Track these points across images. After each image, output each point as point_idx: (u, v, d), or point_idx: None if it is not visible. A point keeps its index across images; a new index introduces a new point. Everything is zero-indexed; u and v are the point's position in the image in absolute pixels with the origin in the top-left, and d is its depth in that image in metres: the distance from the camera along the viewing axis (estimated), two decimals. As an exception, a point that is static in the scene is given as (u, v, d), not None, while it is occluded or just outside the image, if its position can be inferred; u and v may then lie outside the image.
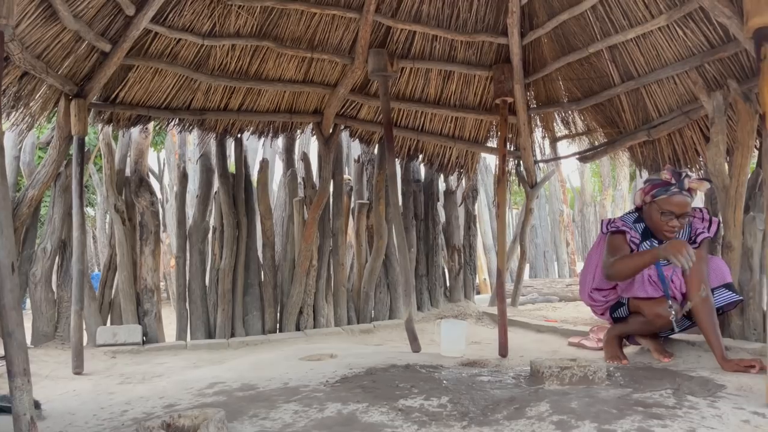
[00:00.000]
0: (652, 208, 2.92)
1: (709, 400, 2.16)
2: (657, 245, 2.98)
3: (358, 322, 4.82)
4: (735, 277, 3.16)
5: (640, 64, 4.03)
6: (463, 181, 5.42)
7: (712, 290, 2.91)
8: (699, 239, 2.92)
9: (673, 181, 2.85)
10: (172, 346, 4.08)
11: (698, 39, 3.60)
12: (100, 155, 5.46)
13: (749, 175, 3.27)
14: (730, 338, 3.17)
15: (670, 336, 3.20)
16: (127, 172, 4.34)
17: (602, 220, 3.22)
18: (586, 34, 4.19)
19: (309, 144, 9.02)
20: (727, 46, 3.45)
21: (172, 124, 4.42)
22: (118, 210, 4.16)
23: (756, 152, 3.40)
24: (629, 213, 3.16)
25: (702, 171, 3.92)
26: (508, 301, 5.12)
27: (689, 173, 2.87)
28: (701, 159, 3.91)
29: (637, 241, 3.02)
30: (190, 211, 4.95)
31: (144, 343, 4.09)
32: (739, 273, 3.18)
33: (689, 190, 2.83)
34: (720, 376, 2.54)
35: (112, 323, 4.18)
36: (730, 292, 2.95)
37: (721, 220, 3.33)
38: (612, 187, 11.86)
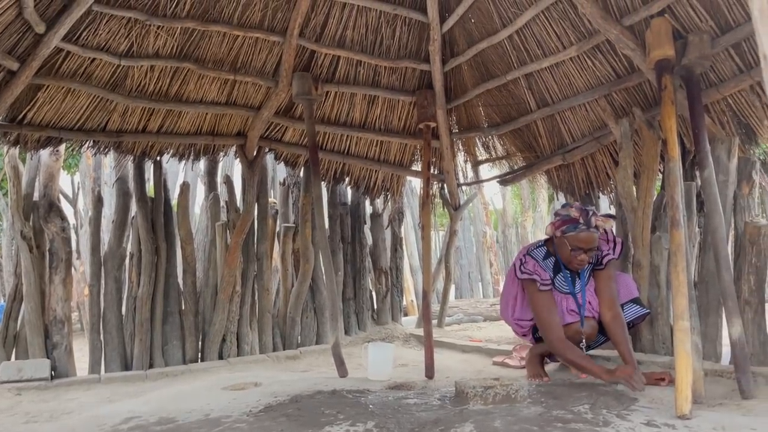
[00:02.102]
0: (562, 242, 3.04)
1: (624, 414, 2.25)
2: (569, 276, 3.11)
3: (283, 349, 4.72)
4: (644, 294, 3.33)
5: (554, 92, 4.23)
6: (390, 203, 5.47)
7: (622, 306, 3.07)
8: (605, 260, 3.08)
9: (581, 220, 2.97)
10: (84, 380, 3.84)
11: (606, 69, 3.82)
12: (6, 178, 5.14)
13: (655, 197, 3.48)
14: (641, 352, 3.33)
15: (587, 353, 3.32)
16: (36, 196, 4.10)
17: (513, 262, 3.27)
18: (503, 63, 4.37)
19: (233, 167, 8.87)
20: (632, 76, 3.68)
21: (86, 146, 4.23)
22: (24, 237, 3.91)
23: (660, 175, 3.62)
24: (539, 247, 3.23)
25: (613, 194, 4.13)
26: (435, 322, 5.18)
27: (595, 210, 3.01)
28: (612, 182, 4.13)
29: (548, 281, 3.12)
30: (106, 236, 4.72)
31: (53, 378, 3.83)
32: (648, 290, 3.36)
33: (596, 226, 2.97)
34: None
35: (17, 358, 3.90)
36: (638, 306, 3.13)
37: (631, 239, 3.52)
38: (532, 209, 12.30)
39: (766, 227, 2.94)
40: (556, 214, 3.14)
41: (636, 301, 3.15)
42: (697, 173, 3.19)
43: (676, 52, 3.00)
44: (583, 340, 3.03)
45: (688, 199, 3.09)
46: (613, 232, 3.19)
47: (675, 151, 2.73)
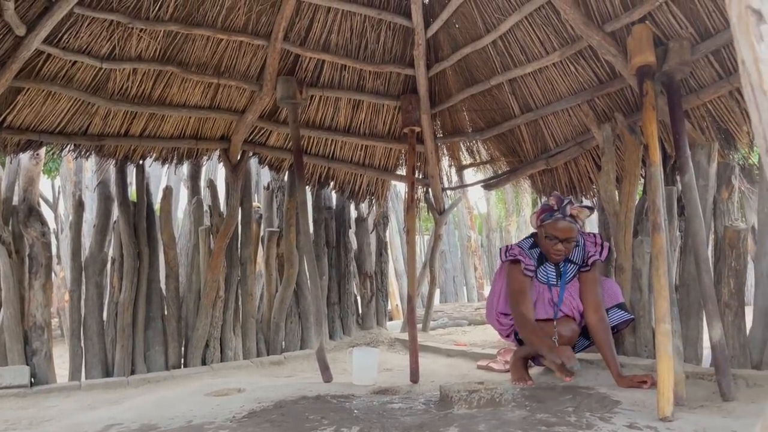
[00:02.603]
0: (541, 232, 3.08)
1: (607, 416, 2.26)
2: (552, 269, 3.13)
3: (267, 354, 4.69)
4: (627, 298, 3.36)
5: (538, 97, 4.26)
6: (375, 208, 5.47)
7: (606, 310, 3.09)
8: (590, 262, 3.10)
9: (556, 207, 3.01)
10: (65, 387, 3.79)
11: (588, 75, 3.86)
12: (-15, 182, 5.04)
13: (637, 202, 3.51)
14: (624, 355, 3.35)
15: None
16: (15, 200, 4.04)
17: (501, 248, 3.34)
18: (487, 68, 4.39)
19: (216, 171, 8.81)
20: (614, 82, 3.71)
21: (67, 149, 4.18)
22: (3, 242, 3.84)
23: (642, 180, 3.66)
24: (527, 238, 3.30)
25: (596, 198, 4.17)
26: (420, 326, 5.18)
27: (572, 200, 3.03)
28: (594, 186, 4.16)
29: (533, 268, 3.16)
30: (87, 241, 4.67)
31: (32, 384, 3.77)
32: (630, 293, 3.39)
33: (572, 216, 2.99)
34: (616, 392, 2.68)
35: (-5, 365, 3.84)
36: (623, 312, 3.15)
37: (613, 243, 3.55)
38: (516, 214, 12.36)
39: (745, 231, 2.98)
40: (542, 205, 3.18)
41: (621, 306, 3.17)
42: (678, 178, 3.23)
43: (657, 59, 3.04)
44: (556, 334, 3.05)
45: (669, 204, 3.13)
46: (601, 236, 3.22)
47: (656, 156, 2.76)
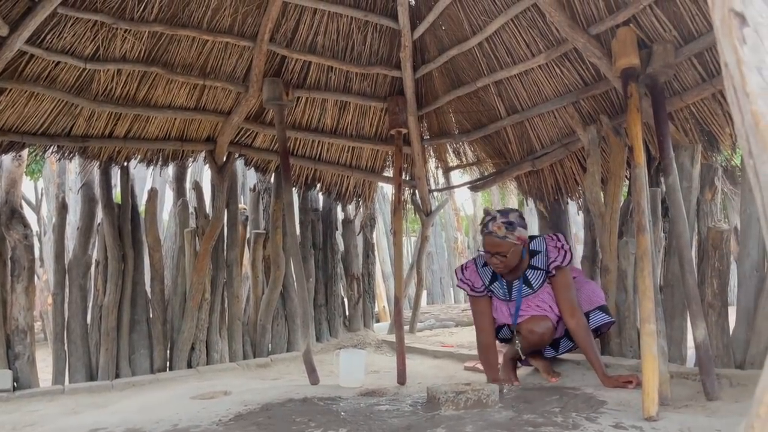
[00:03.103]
0: None
1: (593, 416, 2.28)
2: (504, 284, 3.15)
3: (254, 357, 4.66)
4: (612, 299, 3.38)
5: (524, 99, 4.27)
6: (361, 209, 5.46)
7: (588, 313, 3.09)
8: (551, 267, 3.09)
9: (482, 223, 3.06)
10: (48, 392, 3.74)
11: (574, 77, 3.88)
12: (-34, 184, 4.97)
13: (622, 203, 3.54)
14: (609, 356, 3.37)
15: (558, 357, 3.36)
16: (-3, 202, 4.00)
17: (456, 269, 3.37)
18: (474, 70, 4.41)
19: (202, 172, 8.76)
20: (599, 84, 3.74)
21: (50, 151, 4.13)
22: (-15, 244, 3.80)
23: (627, 181, 3.68)
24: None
25: (581, 199, 4.19)
26: (407, 328, 5.18)
27: (498, 216, 3.03)
28: (580, 188, 4.19)
29: (480, 289, 3.19)
30: (71, 244, 4.61)
31: (15, 389, 3.72)
32: (616, 294, 3.41)
33: (492, 231, 3.01)
34: (602, 393, 2.69)
35: (-24, 369, 3.78)
36: (603, 314, 3.14)
37: (599, 245, 3.57)
38: (502, 215, 12.40)
39: (728, 232, 3.02)
40: None
41: (602, 308, 3.16)
42: (662, 179, 3.26)
43: (641, 61, 3.07)
44: (518, 342, 3.11)
45: (654, 205, 3.15)
46: (563, 237, 3.21)
47: (641, 158, 2.78)
